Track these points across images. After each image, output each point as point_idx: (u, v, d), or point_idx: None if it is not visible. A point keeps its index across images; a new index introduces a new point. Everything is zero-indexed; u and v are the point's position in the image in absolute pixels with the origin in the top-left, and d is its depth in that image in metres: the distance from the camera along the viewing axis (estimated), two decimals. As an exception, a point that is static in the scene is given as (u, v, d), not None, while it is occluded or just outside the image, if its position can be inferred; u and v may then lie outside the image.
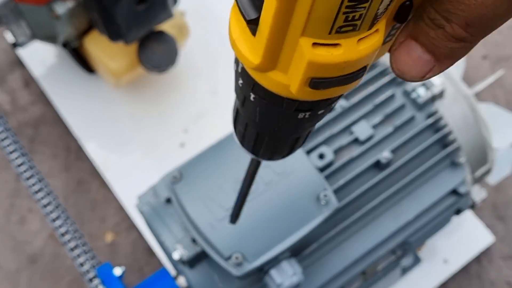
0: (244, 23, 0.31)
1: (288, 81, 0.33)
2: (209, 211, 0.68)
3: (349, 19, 0.29)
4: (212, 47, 1.24)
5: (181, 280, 0.78)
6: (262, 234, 0.68)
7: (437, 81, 0.81)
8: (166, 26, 1.04)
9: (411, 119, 0.80)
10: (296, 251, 0.72)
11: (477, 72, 1.25)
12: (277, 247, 0.67)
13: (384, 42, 0.34)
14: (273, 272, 0.68)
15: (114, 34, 0.98)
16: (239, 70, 0.36)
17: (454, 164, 0.82)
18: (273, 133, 0.41)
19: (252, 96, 0.36)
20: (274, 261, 0.68)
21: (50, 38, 1.05)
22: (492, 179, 0.94)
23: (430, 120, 0.80)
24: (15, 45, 1.07)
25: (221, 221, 0.68)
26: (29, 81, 1.23)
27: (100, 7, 0.93)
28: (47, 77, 1.21)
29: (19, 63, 1.24)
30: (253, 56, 0.33)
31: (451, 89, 0.84)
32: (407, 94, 0.81)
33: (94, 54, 1.08)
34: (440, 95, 0.82)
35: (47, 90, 1.20)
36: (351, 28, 0.29)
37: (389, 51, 0.35)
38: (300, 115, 0.37)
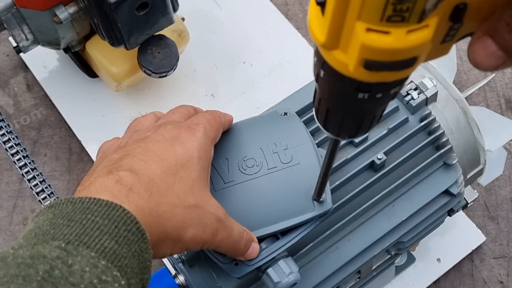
0: (317, 5, 0.38)
1: (347, 60, 0.38)
2: (210, 178, 0.68)
3: (397, 9, 0.34)
4: (211, 52, 1.26)
5: (180, 279, 0.79)
6: (249, 214, 0.67)
7: (430, 84, 0.82)
8: (166, 31, 1.05)
9: (404, 122, 0.81)
10: (292, 250, 0.73)
11: (469, 76, 1.26)
12: (259, 231, 0.67)
13: (444, 41, 0.40)
14: (271, 271, 0.68)
15: (115, 40, 0.99)
16: (314, 49, 0.42)
17: (447, 166, 0.83)
18: (339, 110, 0.46)
19: (322, 72, 0.42)
20: (271, 260, 0.68)
21: (52, 43, 1.06)
22: (484, 180, 0.94)
23: (423, 123, 0.81)
24: (18, 50, 1.07)
25: (215, 192, 0.68)
26: (32, 85, 1.24)
27: (100, 13, 0.94)
28: (49, 81, 1.22)
29: (22, 67, 1.25)
30: (320, 34, 0.38)
31: (443, 92, 0.85)
32: (400, 97, 0.82)
33: (95, 59, 1.09)
34: (433, 98, 0.83)
35: (49, 94, 1.22)
36: (399, 18, 0.34)
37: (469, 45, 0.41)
38: (360, 95, 0.42)
